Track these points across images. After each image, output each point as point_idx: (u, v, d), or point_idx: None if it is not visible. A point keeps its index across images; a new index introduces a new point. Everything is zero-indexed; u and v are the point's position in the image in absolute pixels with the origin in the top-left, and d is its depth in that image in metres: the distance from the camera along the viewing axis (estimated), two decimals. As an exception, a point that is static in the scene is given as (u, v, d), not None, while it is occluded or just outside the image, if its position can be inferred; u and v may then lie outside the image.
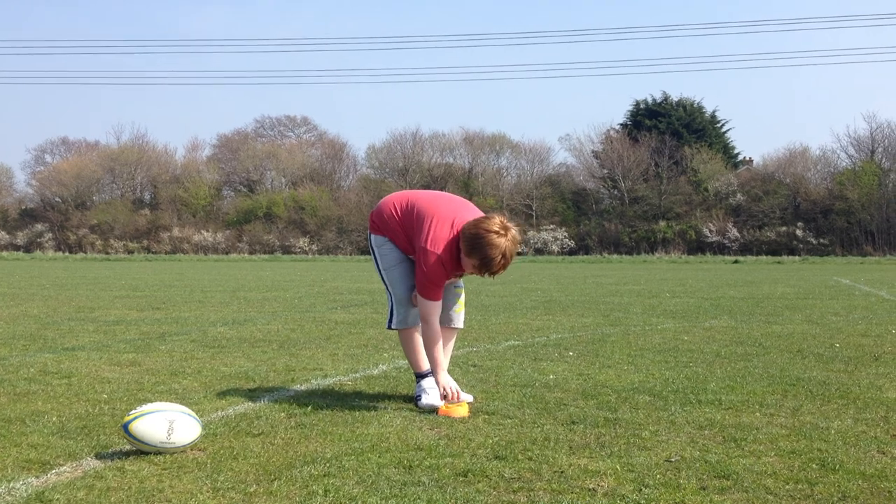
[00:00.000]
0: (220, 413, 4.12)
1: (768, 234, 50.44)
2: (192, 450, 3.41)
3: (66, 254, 53.08)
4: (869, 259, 43.51)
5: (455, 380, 4.86)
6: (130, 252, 54.18)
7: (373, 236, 4.50)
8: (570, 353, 6.29)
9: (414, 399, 4.40)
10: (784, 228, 50.39)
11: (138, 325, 8.44)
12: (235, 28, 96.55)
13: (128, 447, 3.41)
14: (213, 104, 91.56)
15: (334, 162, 61.57)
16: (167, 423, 3.35)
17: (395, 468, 3.14)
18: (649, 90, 60.85)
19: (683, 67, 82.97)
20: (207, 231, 55.41)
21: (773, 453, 3.35)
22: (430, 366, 4.31)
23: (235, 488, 2.92)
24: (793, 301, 12.19)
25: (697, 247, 50.66)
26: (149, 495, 2.86)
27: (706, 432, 3.71)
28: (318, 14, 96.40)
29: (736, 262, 42.86)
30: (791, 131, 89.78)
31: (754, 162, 58.19)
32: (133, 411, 3.42)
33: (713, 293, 14.19)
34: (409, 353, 4.48)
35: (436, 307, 4.24)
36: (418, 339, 4.42)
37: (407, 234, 4.32)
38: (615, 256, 48.09)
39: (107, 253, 53.64)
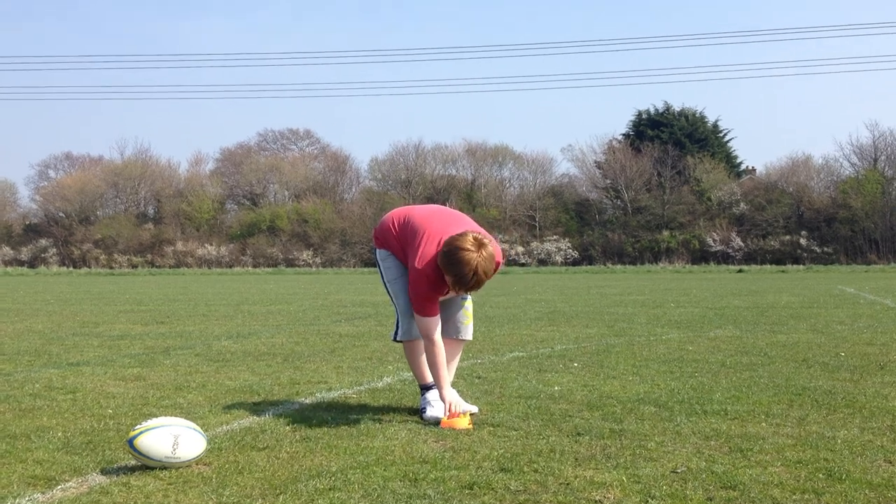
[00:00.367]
0: (225, 427, 4.11)
1: (772, 243, 50.37)
2: (197, 464, 3.41)
3: (70, 269, 53.14)
4: (873, 267, 43.42)
5: (459, 391, 4.86)
6: (134, 266, 54.24)
7: (377, 250, 4.58)
8: (575, 364, 6.28)
9: (419, 412, 4.40)
10: (788, 237, 50.33)
11: (143, 340, 8.45)
12: (237, 42, 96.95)
13: (133, 462, 3.41)
14: (215, 118, 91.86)
15: (337, 175, 61.65)
16: (172, 437, 3.35)
17: (401, 481, 3.14)
18: (651, 100, 61.07)
19: (685, 77, 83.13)
20: (211, 245, 55.47)
21: (779, 463, 3.34)
22: (434, 382, 4.30)
23: (241, 503, 2.92)
24: (797, 310, 12.17)
25: (701, 256, 50.60)
26: (154, 510, 2.85)
27: (712, 443, 3.70)
28: (321, 27, 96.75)
29: (740, 271, 42.81)
30: (793, 140, 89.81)
31: (757, 171, 58.20)
32: (138, 426, 3.42)
33: (717, 303, 14.17)
34: (414, 365, 4.49)
35: (432, 322, 4.24)
36: (420, 353, 4.42)
37: (403, 249, 4.36)
38: (619, 267, 48.05)
39: (111, 268, 53.70)
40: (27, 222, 61.63)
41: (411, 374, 5.85)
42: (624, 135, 58.37)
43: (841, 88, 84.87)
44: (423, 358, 4.42)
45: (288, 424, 4.15)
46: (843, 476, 3.15)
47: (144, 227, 57.92)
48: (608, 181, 55.71)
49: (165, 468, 3.33)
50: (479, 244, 4.06)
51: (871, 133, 65.29)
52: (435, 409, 4.29)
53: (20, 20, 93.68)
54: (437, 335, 4.26)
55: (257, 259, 54.22)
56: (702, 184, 53.13)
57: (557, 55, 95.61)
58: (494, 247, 4.22)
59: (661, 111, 57.91)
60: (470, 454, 3.53)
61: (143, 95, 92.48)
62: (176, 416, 3.95)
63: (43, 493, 3.04)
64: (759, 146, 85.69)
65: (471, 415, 4.27)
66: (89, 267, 54.07)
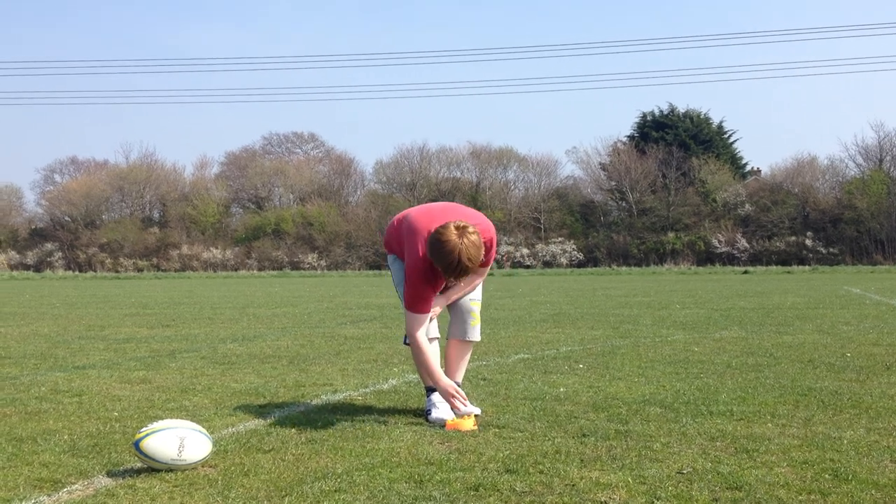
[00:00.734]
0: (230, 429, 4.12)
1: (778, 244, 50.28)
2: (203, 467, 3.41)
3: (76, 273, 53.25)
4: (879, 268, 43.31)
5: (466, 394, 4.85)
6: (140, 270, 54.32)
7: (387, 254, 4.65)
8: (581, 366, 6.27)
9: (424, 413, 4.40)
10: (793, 238, 50.23)
11: (148, 343, 8.46)
12: (242, 46, 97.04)
13: (139, 465, 3.41)
14: (220, 122, 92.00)
15: (342, 178, 61.69)
16: (178, 440, 3.35)
17: (406, 483, 3.14)
18: (656, 102, 61.07)
19: (690, 79, 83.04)
20: (216, 248, 55.55)
21: (785, 464, 3.34)
22: (429, 377, 4.33)
23: (247, 505, 2.92)
24: (803, 311, 12.14)
25: (707, 258, 50.52)
26: (160, 512, 2.86)
27: (718, 443, 3.69)
28: (324, 31, 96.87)
29: (745, 272, 42.74)
30: (798, 141, 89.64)
31: (762, 172, 58.10)
32: (144, 429, 3.42)
33: (723, 304, 14.15)
34: (420, 367, 4.49)
35: (417, 320, 4.28)
36: (428, 354, 4.43)
37: (402, 249, 4.39)
38: (624, 268, 47.99)
39: (116, 271, 53.79)
40: (33, 226, 61.77)
41: (416, 376, 5.86)
42: (628, 136, 58.33)
43: (846, 89, 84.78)
44: (429, 360, 4.42)
45: (293, 427, 4.15)
46: (850, 477, 3.14)
47: (150, 230, 58.02)
48: (613, 183, 55.65)
49: (171, 470, 3.34)
50: (462, 231, 4.10)
51: (876, 134, 65.29)
52: (440, 410, 4.30)
53: (24, 24, 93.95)
54: (421, 333, 4.30)
55: (262, 262, 54.27)
56: (707, 185, 53.05)
57: (561, 57, 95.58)
58: (483, 228, 4.27)
59: (665, 113, 57.86)
60: (475, 456, 3.52)
61: (149, 100, 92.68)
62: (181, 418, 3.95)
63: (49, 495, 3.05)
64: (764, 147, 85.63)
65: (475, 416, 4.27)
66: (95, 271, 54.17)
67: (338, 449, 3.68)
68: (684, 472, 3.24)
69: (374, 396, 5.05)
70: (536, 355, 7.02)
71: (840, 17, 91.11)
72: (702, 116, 57.51)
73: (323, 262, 53.38)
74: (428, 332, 4.42)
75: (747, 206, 52.57)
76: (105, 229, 57.84)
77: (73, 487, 3.14)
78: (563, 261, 51.64)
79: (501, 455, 3.52)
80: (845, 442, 3.69)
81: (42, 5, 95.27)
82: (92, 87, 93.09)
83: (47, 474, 3.32)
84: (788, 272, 41.96)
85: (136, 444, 3.35)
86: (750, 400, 4.73)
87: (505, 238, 52.46)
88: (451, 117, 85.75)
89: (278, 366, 6.55)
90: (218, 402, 4.96)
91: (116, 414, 4.59)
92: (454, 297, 4.51)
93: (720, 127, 58.11)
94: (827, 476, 3.16)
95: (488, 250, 4.38)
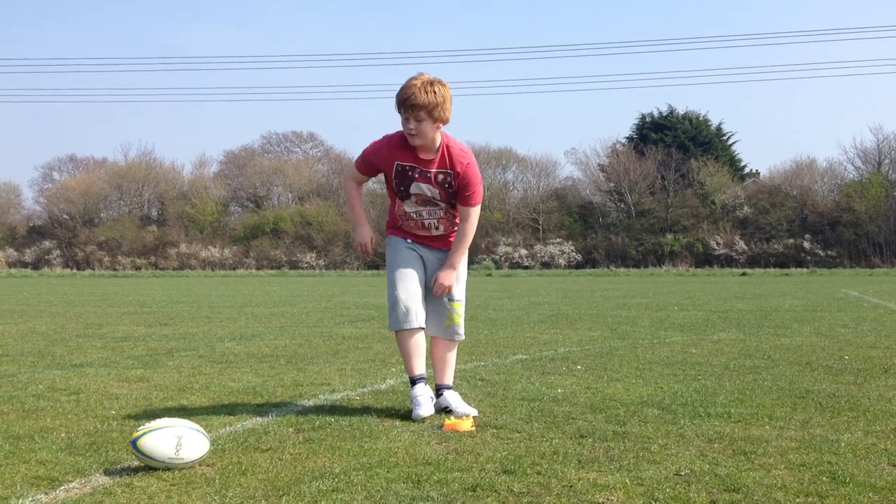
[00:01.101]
0: (228, 428, 4.12)
1: (776, 246, 50.33)
2: (200, 465, 3.41)
3: (74, 270, 53.23)
4: (877, 271, 43.36)
5: (463, 394, 4.86)
6: (138, 268, 54.30)
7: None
8: (579, 367, 6.27)
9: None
10: (792, 241, 50.29)
11: (146, 342, 8.45)
12: (241, 45, 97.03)
13: (136, 463, 3.41)
14: (219, 121, 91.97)
15: (341, 177, 61.66)
16: (175, 438, 3.35)
17: (404, 483, 3.14)
18: (655, 103, 60.98)
19: (689, 80, 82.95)
20: (214, 247, 55.53)
21: (782, 466, 3.34)
22: (352, 219, 4.64)
23: (244, 504, 2.92)
24: (801, 313, 12.15)
25: (705, 259, 50.57)
26: (157, 511, 2.85)
27: (716, 445, 3.69)
28: (323, 30, 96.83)
29: (744, 274, 42.76)
30: (797, 143, 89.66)
31: (761, 174, 58.16)
32: (141, 427, 3.42)
33: (721, 306, 14.15)
34: (403, 356, 4.52)
35: (350, 172, 4.61)
36: (409, 343, 4.43)
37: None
38: (622, 270, 48.01)
39: (114, 269, 53.77)
40: (31, 224, 61.75)
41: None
42: (627, 138, 58.38)
43: (845, 92, 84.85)
44: (410, 350, 4.43)
45: (291, 426, 4.15)
46: (847, 479, 3.14)
47: (148, 229, 58.01)
48: (612, 184, 55.70)
49: (169, 469, 3.33)
50: (433, 79, 4.25)
51: (875, 137, 65.33)
52: (423, 407, 4.31)
53: (24, 23, 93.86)
54: (350, 182, 4.61)
55: (261, 261, 54.26)
56: (705, 187, 53.10)
57: (561, 58, 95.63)
58: (464, 150, 4.42)
59: (664, 114, 57.92)
60: (473, 456, 3.52)
61: (147, 98, 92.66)
62: (179, 417, 3.94)
63: (46, 493, 3.04)
64: (763, 149, 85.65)
65: (473, 417, 4.26)
66: (93, 269, 54.16)
67: (335, 448, 3.67)
68: (682, 473, 3.24)
69: (372, 396, 5.05)
70: (534, 356, 7.02)
71: (839, 20, 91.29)
72: (701, 118, 57.59)
73: (321, 262, 53.38)
74: (400, 322, 4.40)
75: (746, 208, 52.62)
76: (103, 227, 57.81)
77: (71, 486, 3.14)
78: (562, 262, 51.67)
79: (499, 456, 3.52)
80: (843, 444, 3.69)
81: (42, 4, 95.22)
82: (91, 85, 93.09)
83: (44, 472, 3.31)
84: (786, 274, 41.99)
85: (134, 443, 3.35)
86: (748, 402, 4.73)
87: (503, 238, 52.49)
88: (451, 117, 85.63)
89: (276, 365, 6.55)
90: (215, 400, 4.96)
91: (114, 412, 4.58)
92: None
93: (719, 129, 58.18)
94: (825, 479, 3.16)
95: (465, 185, 4.36)
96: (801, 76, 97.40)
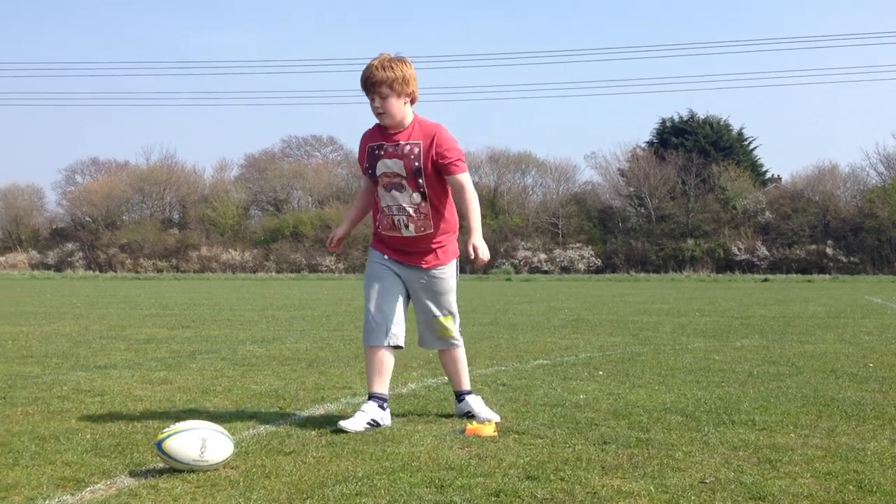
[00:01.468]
0: (251, 431, 4.13)
1: (798, 252, 49.95)
2: (224, 468, 3.42)
3: (97, 273, 53.61)
4: (901, 277, 42.92)
5: (485, 398, 4.85)
6: (159, 271, 54.62)
7: None
8: (600, 373, 6.25)
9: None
10: (814, 247, 49.88)
11: (169, 344, 8.50)
12: (262, 50, 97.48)
13: (161, 465, 3.43)
14: (240, 125, 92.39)
15: (360, 181, 61.84)
16: (200, 441, 3.37)
17: (427, 488, 3.13)
18: (676, 108, 60.81)
19: (710, 85, 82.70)
20: (235, 250, 55.77)
21: (808, 475, 3.31)
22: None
23: (268, 507, 2.93)
24: (824, 320, 12.05)
25: (726, 265, 50.25)
26: (182, 513, 2.87)
27: (740, 453, 3.67)
28: (344, 35, 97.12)
29: (765, 280, 42.47)
30: (820, 149, 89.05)
31: (783, 180, 57.78)
32: (166, 429, 3.44)
33: (743, 312, 14.06)
34: (366, 371, 4.47)
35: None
36: (372, 360, 4.39)
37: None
38: (642, 275, 47.80)
39: (136, 272, 54.12)
40: (54, 226, 62.27)
41: (435, 380, 5.87)
42: (648, 142, 58.14)
43: (868, 97, 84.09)
44: (373, 367, 4.38)
45: (313, 429, 4.16)
46: (874, 488, 3.11)
47: (169, 231, 58.35)
48: (632, 189, 55.48)
49: (193, 471, 3.35)
50: (395, 56, 4.24)
51: (898, 142, 64.62)
52: (351, 421, 4.15)
53: (48, 27, 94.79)
54: (361, 186, 4.64)
55: (281, 264, 54.45)
56: (727, 192, 52.80)
57: (581, 62, 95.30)
58: (433, 124, 4.31)
59: (685, 119, 57.64)
60: (496, 461, 3.52)
61: (170, 102, 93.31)
62: (203, 419, 3.96)
63: (72, 494, 3.07)
64: (785, 155, 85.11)
65: (495, 422, 4.26)
66: (115, 271, 54.52)
67: (358, 452, 3.68)
68: (707, 481, 3.22)
69: (394, 400, 5.05)
70: (555, 361, 7.00)
71: (863, 25, 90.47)
72: (722, 123, 57.25)
73: (341, 265, 53.48)
74: (368, 339, 4.38)
75: (767, 213, 52.27)
76: (125, 230, 58.21)
77: (96, 487, 3.16)
78: (581, 266, 51.51)
79: (522, 461, 3.51)
80: (869, 453, 3.65)
81: (66, 9, 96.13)
82: (114, 88, 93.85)
83: (70, 473, 3.34)
84: (809, 281, 41.67)
85: (159, 445, 3.37)
86: (772, 409, 4.70)
87: (522, 243, 52.39)
88: (470, 121, 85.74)
89: (298, 368, 6.57)
90: (238, 403, 4.98)
91: (138, 414, 4.61)
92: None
93: (740, 133, 57.82)
94: (851, 487, 3.13)
95: (442, 153, 4.22)
96: (824, 81, 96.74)
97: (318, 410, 4.73)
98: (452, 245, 4.46)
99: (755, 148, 58.48)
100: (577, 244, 52.93)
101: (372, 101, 4.23)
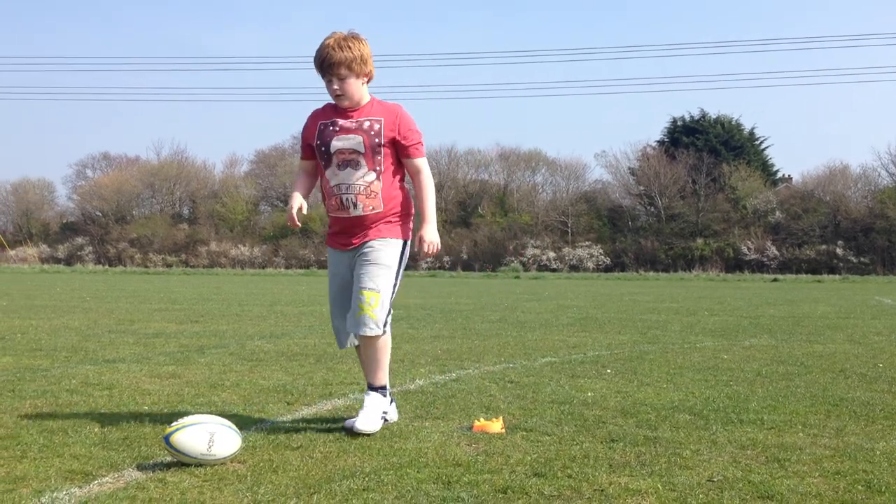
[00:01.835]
0: (259, 426, 4.14)
1: (808, 252, 49.77)
2: (231, 462, 3.43)
3: (106, 267, 53.79)
4: (911, 278, 42.72)
5: (492, 396, 4.84)
6: (169, 266, 54.79)
7: None
8: (608, 371, 6.24)
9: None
10: (824, 247, 49.70)
11: (177, 338, 8.52)
12: (273, 46, 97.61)
13: (169, 459, 3.43)
14: (250, 120, 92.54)
15: (298, 164, 61.75)
16: (208, 435, 3.37)
17: (434, 484, 3.13)
18: (687, 107, 60.64)
19: (721, 84, 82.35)
20: (244, 245, 55.89)
21: (817, 474, 3.30)
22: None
23: (276, 501, 2.93)
24: (834, 320, 12.01)
25: (735, 265, 50.10)
26: (190, 507, 2.87)
27: (748, 452, 3.65)
28: (357, 30, 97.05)
29: (775, 280, 42.34)
30: (830, 149, 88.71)
31: (793, 180, 57.57)
32: (174, 423, 3.45)
33: (752, 312, 14.02)
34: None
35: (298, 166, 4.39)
36: (359, 357, 4.29)
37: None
38: (651, 274, 47.70)
39: (146, 266, 54.29)
40: (64, 220, 62.53)
41: (443, 377, 5.86)
42: (658, 142, 58.01)
43: (880, 97, 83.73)
44: (362, 361, 4.27)
45: (321, 424, 4.16)
46: (883, 488, 3.10)
47: (179, 227, 58.51)
48: (642, 188, 55.37)
49: (200, 465, 3.35)
50: (351, 33, 4.07)
51: (910, 142, 64.30)
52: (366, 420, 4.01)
53: (59, 21, 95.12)
54: (297, 172, 4.42)
55: (290, 260, 54.54)
56: (737, 192, 52.64)
57: (592, 61, 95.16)
58: (395, 106, 4.15)
59: (696, 118, 57.49)
60: (503, 458, 3.51)
61: (180, 97, 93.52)
62: (211, 413, 3.97)
63: (80, 487, 3.07)
64: (796, 154, 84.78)
65: (502, 419, 4.25)
66: (124, 265, 54.71)
67: (365, 448, 3.68)
68: (715, 479, 3.21)
69: (401, 396, 5.05)
70: (563, 359, 6.99)
71: (875, 25, 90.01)
72: (733, 122, 57.08)
73: (349, 262, 53.47)
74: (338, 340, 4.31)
75: (778, 213, 52.10)
76: (135, 225, 58.41)
77: (104, 480, 3.16)
78: (590, 265, 51.43)
79: (529, 458, 3.51)
80: (878, 453, 3.64)
81: (77, 3, 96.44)
82: (125, 84, 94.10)
83: (78, 466, 3.35)
84: (818, 281, 41.51)
85: (167, 439, 3.37)
86: (781, 409, 4.68)
87: (531, 241, 52.36)
88: (481, 119, 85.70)
89: (306, 364, 6.57)
90: (246, 398, 4.98)
91: (146, 408, 4.62)
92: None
93: (751, 133, 57.63)
94: (860, 487, 3.12)
95: (404, 134, 4.07)
96: (835, 81, 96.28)
97: (326, 406, 4.73)
98: (403, 227, 4.20)
99: (766, 148, 58.34)
100: (587, 243, 52.86)
101: (329, 82, 4.02)
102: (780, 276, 44.48)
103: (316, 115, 4.22)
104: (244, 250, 55.50)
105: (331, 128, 4.10)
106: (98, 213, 60.30)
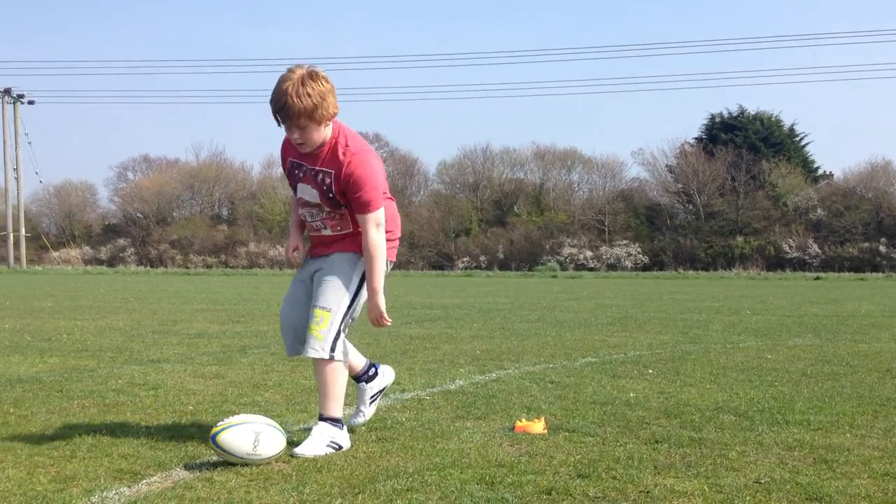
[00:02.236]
0: (302, 426, 4.17)
1: (850, 249, 48.99)
2: (277, 462, 3.46)
3: (148, 268, 54.47)
4: (958, 276, 41.88)
5: (533, 396, 4.83)
6: (209, 266, 55.34)
7: None
8: (650, 371, 6.20)
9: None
10: (867, 244, 48.88)
11: (220, 338, 8.61)
12: (310, 47, 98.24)
13: (215, 458, 3.47)
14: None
15: (405, 178, 61.96)
16: (253, 434, 3.41)
17: (478, 484, 3.13)
18: (725, 103, 59.98)
19: (760, 80, 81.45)
20: (282, 246, 56.31)
21: (865, 475, 3.25)
22: None
23: (321, 501, 2.95)
24: (879, 319, 11.81)
25: (777, 263, 49.46)
26: (237, 506, 2.90)
27: (795, 453, 3.61)
28: (391, 32, 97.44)
29: (817, 278, 41.72)
30: (872, 145, 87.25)
31: (835, 176, 56.69)
32: (220, 423, 3.49)
33: (795, 310, 13.83)
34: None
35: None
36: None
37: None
38: (690, 272, 47.22)
39: (186, 267, 54.89)
40: (106, 222, 63.43)
41: (483, 377, 5.86)
42: (696, 139, 57.42)
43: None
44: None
45: (364, 425, 4.18)
46: (936, 491, 3.05)
47: (218, 228, 59.09)
48: (680, 186, 54.84)
49: (246, 465, 3.39)
50: (311, 73, 3.69)
51: (956, 137, 63.07)
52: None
53: (100, 26, 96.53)
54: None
55: (327, 261, 54.77)
56: (777, 189, 51.96)
57: (628, 58, 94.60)
58: (360, 147, 3.80)
59: (735, 115, 56.84)
60: (546, 459, 3.51)
61: (219, 100, 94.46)
62: (255, 413, 4.01)
63: (129, 486, 3.12)
64: (837, 151, 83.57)
65: (545, 419, 4.24)
66: (166, 266, 55.36)
67: (408, 448, 3.69)
68: (762, 481, 3.17)
69: (442, 396, 5.06)
70: (604, 359, 6.96)
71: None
72: (773, 118, 56.34)
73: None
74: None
75: (819, 210, 51.34)
76: (175, 226, 59.10)
77: (153, 479, 3.21)
78: (628, 264, 51.08)
79: (573, 459, 3.50)
80: (929, 455, 3.57)
81: (117, 7, 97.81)
82: (165, 87, 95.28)
83: (127, 466, 3.40)
84: (861, 279, 40.84)
85: (213, 438, 3.41)
86: (827, 409, 4.62)
87: (568, 240, 52.14)
88: (516, 118, 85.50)
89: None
90: (289, 398, 5.02)
91: (191, 408, 4.68)
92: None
93: (792, 129, 56.84)
94: (911, 490, 3.06)
95: (352, 187, 3.71)
96: (876, 76, 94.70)
97: (368, 406, 4.74)
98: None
99: (807, 144, 57.51)
100: (624, 241, 52.49)
101: (290, 131, 3.72)
102: (822, 275, 43.81)
103: (286, 149, 3.95)
104: (282, 251, 55.91)
105: (297, 171, 3.90)
106: (139, 214, 61.11)
